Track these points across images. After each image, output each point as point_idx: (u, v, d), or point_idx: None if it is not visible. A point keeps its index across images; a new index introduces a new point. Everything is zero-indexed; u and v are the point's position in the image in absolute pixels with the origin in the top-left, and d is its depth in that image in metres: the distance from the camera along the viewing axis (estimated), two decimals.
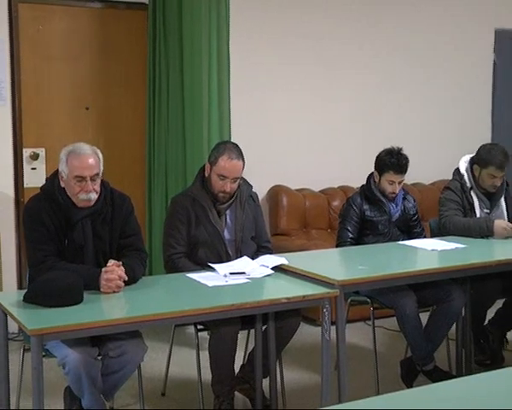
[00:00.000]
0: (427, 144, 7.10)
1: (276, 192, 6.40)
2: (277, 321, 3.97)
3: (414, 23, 7.06)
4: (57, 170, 3.61)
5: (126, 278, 3.41)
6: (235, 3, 5.78)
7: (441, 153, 7.00)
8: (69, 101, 5.83)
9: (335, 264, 4.35)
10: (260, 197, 6.13)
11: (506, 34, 7.52)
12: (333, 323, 3.59)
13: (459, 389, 2.36)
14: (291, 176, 6.49)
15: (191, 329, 4.15)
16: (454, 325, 4.60)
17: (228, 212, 4.17)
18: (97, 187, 3.58)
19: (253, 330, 4.14)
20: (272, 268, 3.83)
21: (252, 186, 4.33)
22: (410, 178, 5.93)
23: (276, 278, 3.75)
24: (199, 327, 4.03)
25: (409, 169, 4.75)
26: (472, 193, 4.81)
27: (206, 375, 4.02)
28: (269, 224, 6.31)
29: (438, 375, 4.36)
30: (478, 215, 4.77)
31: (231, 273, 3.71)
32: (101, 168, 3.62)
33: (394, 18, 6.96)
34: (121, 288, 3.39)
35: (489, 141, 6.99)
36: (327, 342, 3.52)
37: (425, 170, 6.91)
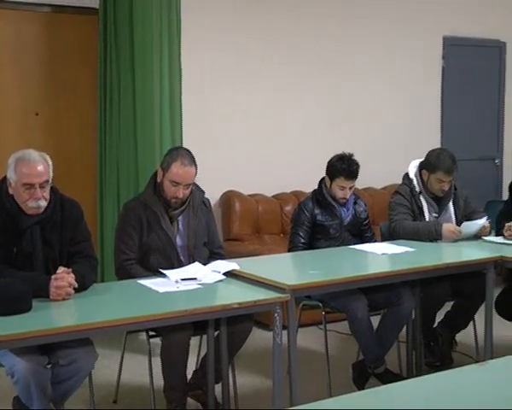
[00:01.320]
0: (378, 149, 7.18)
1: (228, 197, 6.41)
2: (229, 326, 3.97)
3: (364, 30, 7.14)
4: (5, 176, 3.56)
5: (76, 285, 3.38)
6: (186, 6, 5.77)
7: (392, 158, 7.08)
8: (18, 107, 5.76)
9: (287, 269, 4.36)
10: (213, 203, 6.14)
11: (454, 41, 7.66)
12: (285, 327, 3.61)
13: (409, 391, 2.40)
14: (244, 181, 6.51)
15: (144, 335, 4.13)
16: (404, 327, 4.66)
17: (180, 218, 4.15)
18: (46, 194, 3.53)
19: (205, 336, 4.14)
20: (224, 274, 3.83)
21: (204, 192, 4.33)
22: (361, 182, 5.99)
23: (228, 284, 3.75)
24: (151, 333, 4.01)
25: (360, 174, 4.79)
26: (421, 197, 4.88)
27: (159, 381, 4.00)
28: (221, 229, 6.32)
29: (388, 377, 4.40)
30: (427, 219, 4.84)
31: (183, 279, 3.69)
32: (51, 175, 3.57)
33: (344, 24, 7.03)
34: (71, 295, 3.36)
35: (439, 146, 7.11)
36: (278, 347, 3.53)
37: (376, 175, 6.99)
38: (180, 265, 4.01)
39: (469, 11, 7.75)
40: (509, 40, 8.04)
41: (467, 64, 7.83)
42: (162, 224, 4.06)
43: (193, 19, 6.02)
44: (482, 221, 4.78)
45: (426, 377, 2.53)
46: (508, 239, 4.71)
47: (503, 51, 8.05)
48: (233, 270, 3.88)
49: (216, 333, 4.05)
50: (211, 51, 6.35)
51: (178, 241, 4.12)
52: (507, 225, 4.74)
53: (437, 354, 4.90)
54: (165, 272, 3.82)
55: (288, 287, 3.58)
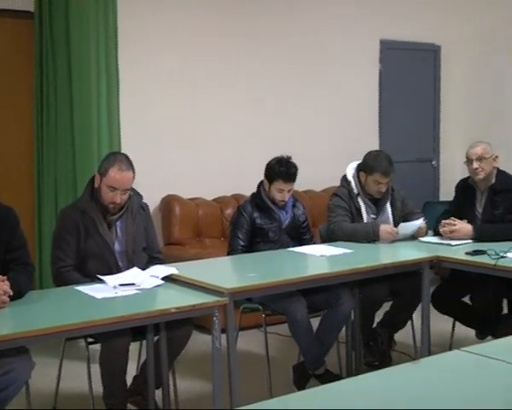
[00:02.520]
0: (317, 152, 7.25)
1: (168, 202, 6.39)
2: (169, 331, 3.97)
3: (303, 33, 7.20)
4: None
5: (11, 293, 3.33)
6: (124, 7, 5.74)
7: (331, 160, 7.15)
8: None
9: (226, 272, 4.36)
10: (153, 207, 6.15)
11: (390, 44, 7.78)
12: (225, 331, 3.62)
13: (345, 390, 2.43)
14: (183, 185, 6.50)
15: (83, 342, 4.09)
16: (344, 328, 4.72)
17: (118, 223, 4.13)
18: None
19: (145, 342, 4.12)
20: (163, 278, 3.82)
21: (142, 197, 4.31)
22: (301, 185, 6.05)
23: (167, 288, 3.74)
24: (89, 340, 3.97)
25: (299, 176, 4.84)
26: (359, 199, 4.94)
27: (99, 388, 3.97)
28: (162, 233, 6.31)
29: (328, 378, 4.44)
30: (365, 220, 4.90)
31: (121, 285, 3.67)
32: None
33: (282, 28, 7.08)
34: (6, 303, 3.31)
35: (377, 148, 7.20)
36: (217, 350, 3.54)
37: (316, 177, 7.05)
38: (118, 270, 3.98)
39: (405, 15, 7.88)
40: (443, 43, 8.20)
41: (403, 67, 7.97)
42: (100, 229, 4.03)
43: (130, 20, 6.00)
44: (418, 222, 4.86)
45: (361, 376, 2.58)
46: (443, 239, 4.81)
47: (437, 54, 8.22)
48: (172, 274, 3.87)
49: (156, 338, 4.04)
50: (149, 53, 6.33)
51: (117, 246, 4.09)
52: (443, 222, 4.85)
53: (376, 353, 4.96)
54: (103, 277, 3.79)
55: (227, 290, 3.59)
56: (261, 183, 4.83)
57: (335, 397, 2.33)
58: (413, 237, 4.89)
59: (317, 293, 4.46)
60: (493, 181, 4.87)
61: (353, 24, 7.53)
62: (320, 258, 4.41)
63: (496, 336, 4.53)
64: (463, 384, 2.41)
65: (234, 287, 3.69)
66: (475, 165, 4.83)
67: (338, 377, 4.49)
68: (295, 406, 2.27)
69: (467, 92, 8.37)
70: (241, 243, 4.68)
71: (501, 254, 4.24)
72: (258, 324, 5.20)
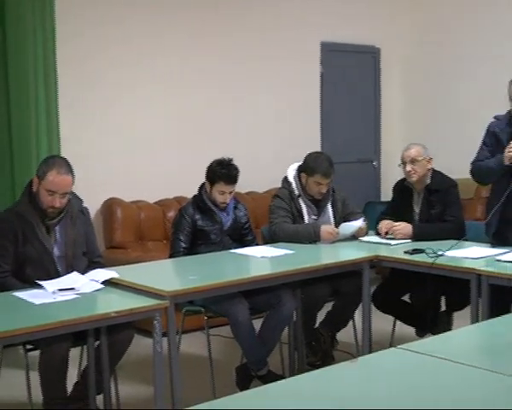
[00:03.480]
0: (259, 153, 7.27)
1: (110, 205, 6.34)
2: (110, 336, 3.93)
3: (244, 36, 7.22)
4: None
5: None
6: (61, 10, 5.68)
7: (273, 161, 7.18)
8: None
9: (167, 275, 4.34)
10: (94, 211, 6.09)
11: (331, 46, 7.85)
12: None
13: (286, 390, 2.45)
14: (125, 188, 6.45)
15: (22, 349, 4.02)
16: (286, 328, 4.74)
17: (57, 228, 4.07)
18: None
19: (86, 347, 4.08)
20: (103, 282, 3.79)
21: (82, 200, 4.26)
22: (243, 186, 6.08)
23: (107, 293, 3.70)
24: (28, 347, 3.92)
25: (242, 178, 4.85)
26: (300, 200, 4.97)
27: (39, 396, 3.91)
28: (103, 237, 6.25)
29: (271, 378, 4.45)
30: (306, 221, 4.94)
31: (60, 290, 3.62)
32: None
33: (223, 30, 7.09)
34: None
35: (319, 149, 7.26)
36: (159, 354, 3.52)
37: (258, 179, 7.07)
38: (58, 275, 3.93)
39: (346, 18, 7.97)
40: (383, 46, 8.32)
41: (344, 69, 8.06)
42: (38, 234, 3.97)
43: (68, 20, 5.93)
44: (358, 223, 4.92)
45: (299, 376, 2.60)
46: (383, 239, 4.88)
47: (377, 56, 8.33)
48: (112, 278, 3.84)
49: (97, 343, 4.00)
50: (89, 54, 6.26)
51: (56, 251, 4.04)
52: (381, 222, 4.93)
53: (318, 353, 4.99)
54: (41, 283, 3.73)
55: (168, 293, 3.58)
56: (203, 185, 4.83)
57: (275, 397, 2.34)
58: (354, 236, 4.94)
59: (259, 294, 4.47)
60: (429, 182, 4.95)
61: (294, 26, 7.58)
62: (261, 259, 4.43)
63: (434, 334, 4.61)
64: (399, 382, 2.44)
65: (175, 290, 3.68)
66: (408, 167, 4.92)
67: (280, 378, 4.50)
68: (236, 406, 2.27)
69: (407, 93, 8.51)
70: (183, 245, 4.67)
71: (438, 253, 4.32)
72: (202, 326, 5.19)
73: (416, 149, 4.95)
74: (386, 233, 4.90)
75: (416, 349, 2.72)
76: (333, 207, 5.08)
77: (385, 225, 4.93)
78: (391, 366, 2.60)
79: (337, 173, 7.40)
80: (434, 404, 2.23)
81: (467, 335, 3.13)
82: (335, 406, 2.21)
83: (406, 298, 5.11)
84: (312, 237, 4.79)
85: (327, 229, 4.81)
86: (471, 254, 4.34)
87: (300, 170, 5.01)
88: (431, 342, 3.09)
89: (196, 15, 6.90)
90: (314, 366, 4.90)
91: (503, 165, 4.44)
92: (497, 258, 4.21)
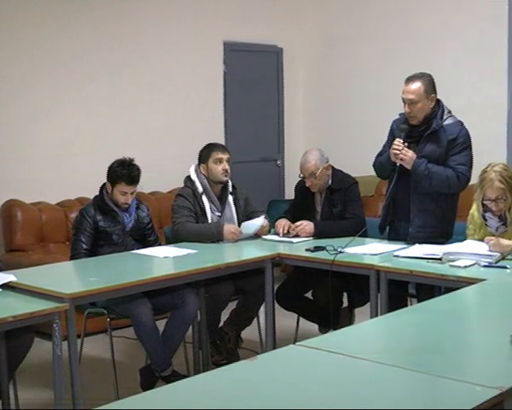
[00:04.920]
0: (162, 153, 7.22)
1: (9, 207, 6.17)
2: (8, 340, 3.84)
3: (145, 36, 7.16)
4: None
5: None
6: None
7: (177, 161, 7.14)
8: None
9: (67, 277, 4.26)
10: None
11: (234, 46, 7.88)
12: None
13: (191, 388, 2.45)
14: (25, 190, 6.30)
15: None
16: (190, 328, 4.74)
17: None
18: None
19: None
20: (0, 286, 3.69)
21: None
22: (147, 186, 6.04)
23: (4, 297, 3.62)
24: None
25: (146, 178, 4.82)
26: (203, 198, 4.98)
27: None
28: (3, 240, 6.10)
29: (176, 379, 4.43)
30: (209, 219, 4.94)
31: None
32: None
33: (122, 29, 7.01)
34: None
35: None
36: (58, 358, 3.46)
37: (162, 178, 7.02)
38: None
39: (248, 17, 8.01)
40: (285, 46, 8.40)
41: (247, 69, 8.09)
42: None
43: None
44: (260, 221, 4.95)
45: (197, 376, 2.59)
46: (285, 237, 4.93)
47: (280, 56, 8.39)
48: (10, 282, 3.75)
49: None
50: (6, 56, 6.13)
51: None
52: (278, 222, 5.00)
53: (223, 352, 5.01)
54: None
55: (67, 296, 3.53)
56: (104, 185, 4.77)
57: (181, 395, 2.35)
58: (257, 235, 4.98)
59: (163, 295, 4.46)
60: (330, 182, 5.04)
61: (196, 26, 7.57)
62: (164, 259, 4.41)
63: (336, 329, 4.69)
64: (296, 378, 2.46)
65: (74, 292, 3.62)
66: (308, 182, 5.00)
67: (185, 378, 4.50)
68: (137, 406, 2.26)
69: (309, 93, 8.62)
70: (84, 246, 4.61)
71: (339, 250, 4.40)
72: (106, 328, 5.14)
73: (313, 162, 4.97)
74: (287, 232, 4.96)
75: (313, 345, 2.75)
76: (235, 204, 5.10)
77: (282, 225, 4.99)
78: (289, 362, 2.62)
79: (241, 172, 7.51)
80: (330, 400, 2.25)
81: (365, 330, 3.18)
82: (229, 405, 2.22)
83: (309, 295, 5.18)
84: (215, 237, 4.80)
85: (229, 229, 4.82)
86: (370, 251, 4.44)
87: (199, 163, 5.03)
88: (329, 338, 3.15)
89: (94, 15, 6.81)
90: (219, 364, 4.91)
91: (391, 162, 4.59)
92: (395, 254, 4.32)
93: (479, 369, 2.55)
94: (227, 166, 4.98)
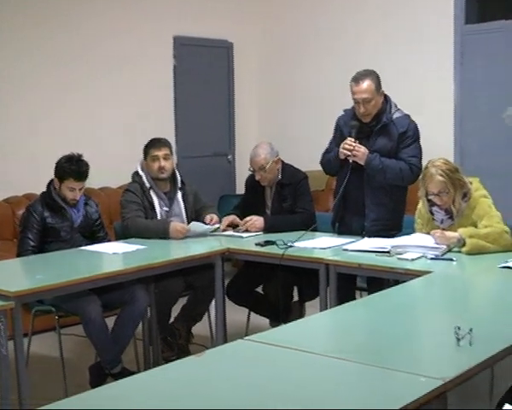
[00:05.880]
0: (113, 149, 7.17)
1: None
2: None
3: (93, 29, 7.09)
4: None
5: None
6: None
7: (127, 157, 7.06)
8: None
9: (13, 275, 4.18)
10: None
11: (184, 40, 7.85)
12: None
13: (137, 385, 2.45)
14: None
15: None
16: (140, 324, 4.71)
17: None
18: None
19: None
20: None
21: None
22: (97, 182, 5.99)
23: None
24: None
25: (95, 174, 4.77)
26: (151, 192, 4.95)
27: None
28: None
29: (126, 376, 4.38)
30: (158, 214, 4.92)
31: None
32: None
33: (65, 24, 6.93)
34: None
35: (173, 143, 7.20)
36: (4, 358, 3.42)
37: (112, 174, 6.95)
38: None
39: (198, 12, 7.97)
40: (236, 40, 8.38)
41: (198, 63, 8.06)
42: None
43: None
44: (209, 227, 4.92)
45: (145, 372, 2.58)
46: (235, 231, 4.94)
47: (230, 51, 8.38)
48: None
49: None
50: None
51: None
52: (224, 219, 5.02)
53: (174, 348, 5.00)
54: None
55: (12, 294, 3.48)
56: (51, 181, 4.71)
57: (130, 392, 2.35)
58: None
59: (112, 291, 4.42)
60: (280, 177, 5.05)
61: (146, 20, 7.51)
62: (113, 255, 4.37)
63: (286, 323, 4.71)
64: (243, 373, 2.46)
65: (20, 290, 3.58)
66: (258, 176, 5.01)
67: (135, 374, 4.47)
68: (84, 405, 2.26)
69: (260, 87, 8.64)
70: (32, 243, 4.55)
71: (289, 244, 4.41)
72: (54, 326, 5.08)
73: (263, 155, 4.98)
74: (234, 228, 4.96)
75: (262, 340, 2.75)
76: (184, 200, 5.08)
77: (230, 220, 4.99)
78: (236, 357, 2.63)
79: (192, 167, 7.50)
80: (276, 395, 2.25)
81: (313, 323, 3.20)
82: (175, 401, 2.22)
83: (260, 290, 5.19)
84: (162, 234, 4.77)
85: (175, 226, 4.79)
86: (320, 245, 4.47)
87: (144, 156, 5.03)
88: (277, 332, 3.15)
89: (40, 11, 6.72)
90: (170, 360, 4.88)
91: (339, 159, 4.63)
92: (344, 247, 4.35)
93: (424, 360, 2.59)
94: (163, 164, 4.94)
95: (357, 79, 4.57)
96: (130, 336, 4.61)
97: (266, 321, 5.14)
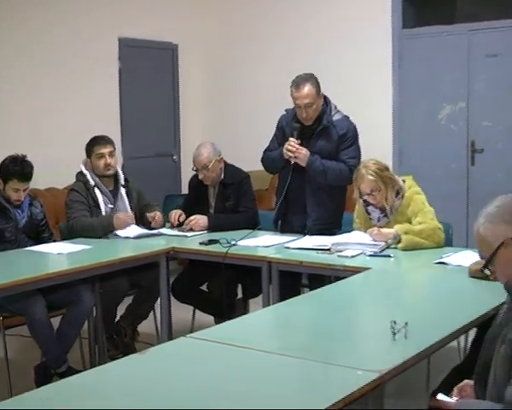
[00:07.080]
0: (58, 149, 7.13)
1: None
2: None
3: (37, 30, 7.06)
4: None
5: None
6: None
7: (74, 157, 7.02)
8: None
9: None
10: None
11: (129, 42, 7.86)
12: None
13: (80, 383, 2.49)
14: None
15: None
16: (86, 323, 4.74)
17: None
18: None
19: None
20: None
21: None
22: (43, 183, 5.98)
23: None
24: None
25: (40, 174, 4.79)
26: (96, 190, 5.00)
27: None
28: None
29: (71, 375, 4.42)
30: (103, 211, 4.98)
31: None
32: None
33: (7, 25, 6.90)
34: None
35: (119, 144, 7.25)
36: None
37: (58, 174, 6.93)
38: None
39: (143, 13, 7.98)
40: (180, 42, 8.43)
41: (143, 65, 8.08)
42: None
43: None
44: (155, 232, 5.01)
45: (89, 371, 2.62)
46: (180, 231, 5.01)
47: (175, 53, 8.42)
48: None
49: None
50: None
51: None
52: (173, 213, 5.11)
53: (120, 346, 5.04)
54: None
55: None
56: None
57: (75, 390, 2.38)
58: (150, 228, 5.03)
59: (58, 291, 4.44)
60: (222, 176, 5.14)
61: (91, 22, 7.49)
62: (58, 256, 4.39)
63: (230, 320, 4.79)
64: (184, 370, 2.50)
65: None
66: (201, 175, 5.09)
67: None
68: (29, 404, 2.28)
69: (205, 89, 8.70)
70: None
71: (232, 243, 4.50)
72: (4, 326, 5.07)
73: (205, 155, 5.07)
74: (180, 224, 5.04)
75: (204, 337, 2.81)
76: (128, 196, 5.14)
77: (174, 214, 5.09)
78: (178, 355, 2.67)
79: (137, 167, 7.52)
80: (215, 391, 2.29)
81: (255, 320, 3.29)
82: (116, 399, 2.26)
83: (205, 288, 5.26)
84: (107, 228, 4.83)
85: (118, 216, 4.90)
86: (263, 243, 4.56)
87: (88, 155, 5.07)
88: (220, 329, 3.19)
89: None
90: (115, 359, 4.92)
91: (283, 158, 4.74)
92: (286, 245, 4.45)
93: (361, 354, 2.66)
94: (109, 161, 5.01)
95: (297, 84, 4.66)
96: (76, 336, 4.64)
97: (211, 318, 5.21)
